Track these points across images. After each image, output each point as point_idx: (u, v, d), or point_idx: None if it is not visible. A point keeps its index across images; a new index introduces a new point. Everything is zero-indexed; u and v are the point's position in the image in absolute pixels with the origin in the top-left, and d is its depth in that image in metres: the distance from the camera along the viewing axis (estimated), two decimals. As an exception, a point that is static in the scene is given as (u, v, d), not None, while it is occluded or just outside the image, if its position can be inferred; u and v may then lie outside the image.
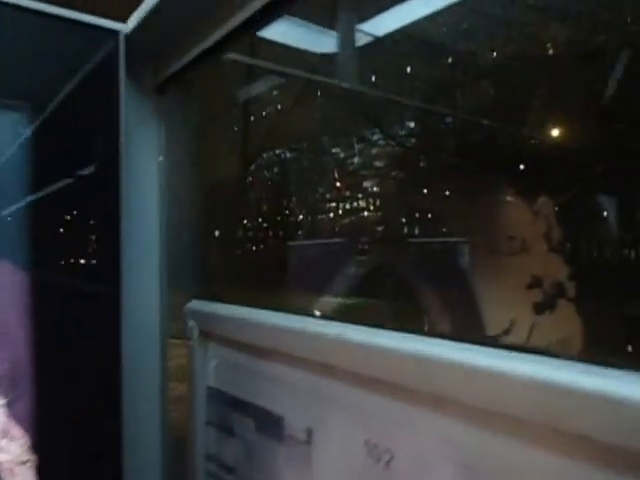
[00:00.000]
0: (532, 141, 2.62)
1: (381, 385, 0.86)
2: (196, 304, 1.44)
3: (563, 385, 0.62)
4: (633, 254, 2.37)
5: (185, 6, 1.44)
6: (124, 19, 1.57)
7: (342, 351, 0.93)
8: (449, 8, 2.27)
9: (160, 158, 1.72)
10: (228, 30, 1.37)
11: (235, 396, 1.27)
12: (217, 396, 1.34)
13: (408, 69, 2.61)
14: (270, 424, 1.13)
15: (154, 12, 1.47)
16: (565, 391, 0.61)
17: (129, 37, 1.56)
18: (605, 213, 2.36)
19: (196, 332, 1.38)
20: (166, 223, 1.70)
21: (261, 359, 1.19)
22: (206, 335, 1.38)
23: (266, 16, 1.33)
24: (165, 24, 1.53)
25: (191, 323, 1.40)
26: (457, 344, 0.79)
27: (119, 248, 1.54)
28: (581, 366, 0.66)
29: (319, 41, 2.27)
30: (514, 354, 0.72)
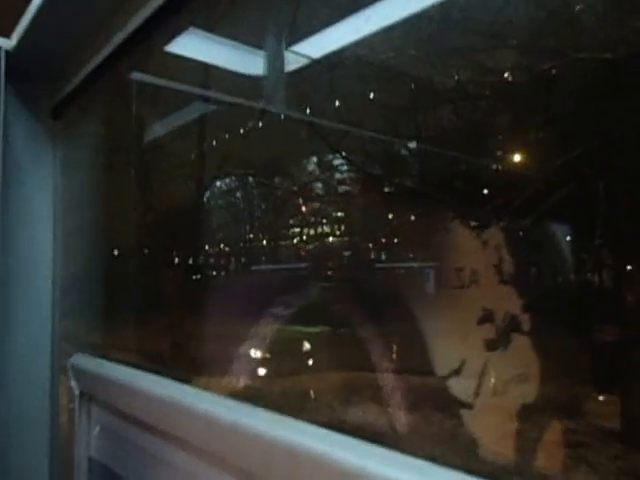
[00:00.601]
0: (479, 167, 2.52)
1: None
2: (80, 359, 1.23)
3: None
4: (586, 284, 2.29)
5: (74, 17, 1.27)
6: (7, 33, 1.39)
7: (213, 432, 0.74)
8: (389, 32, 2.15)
9: (54, 188, 1.51)
10: (121, 41, 1.20)
11: (119, 474, 1.06)
12: (100, 471, 1.13)
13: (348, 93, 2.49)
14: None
15: (39, 24, 1.29)
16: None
17: (13, 54, 1.37)
18: (558, 242, 2.27)
19: (77, 393, 1.17)
20: (61, 258, 1.50)
21: (147, 433, 0.99)
22: (90, 397, 1.17)
23: (160, 29, 1.16)
24: (54, 37, 1.34)
25: (73, 383, 1.19)
26: (348, 440, 0.61)
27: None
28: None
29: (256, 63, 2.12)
30: (405, 458, 0.55)
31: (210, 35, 1.80)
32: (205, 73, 1.97)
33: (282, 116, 2.58)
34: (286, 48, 1.98)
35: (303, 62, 2.21)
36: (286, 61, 1.96)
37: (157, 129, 2.13)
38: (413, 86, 2.54)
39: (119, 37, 1.20)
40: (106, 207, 1.87)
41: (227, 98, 2.10)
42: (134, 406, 1.01)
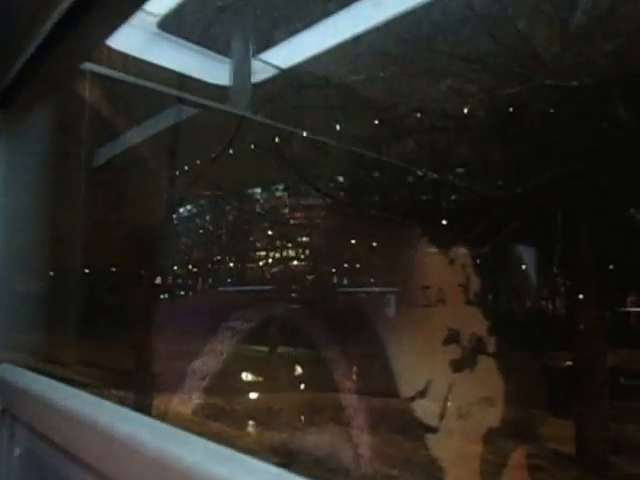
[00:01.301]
0: (446, 191, 2.49)
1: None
2: (5, 370, 1.10)
3: None
4: (549, 306, 2.29)
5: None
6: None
7: (139, 467, 0.64)
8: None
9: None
10: (56, 21, 1.09)
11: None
12: (19, 501, 0.99)
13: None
14: None
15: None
16: None
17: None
18: (523, 265, 2.25)
19: (-2, 409, 1.04)
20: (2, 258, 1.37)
21: (74, 463, 0.86)
22: (13, 415, 1.04)
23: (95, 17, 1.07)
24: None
25: (-6, 397, 1.06)
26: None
27: None
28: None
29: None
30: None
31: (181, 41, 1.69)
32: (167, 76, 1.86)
33: (252, 146, 2.51)
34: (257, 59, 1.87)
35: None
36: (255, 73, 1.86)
37: (117, 127, 2.01)
38: (379, 116, 2.48)
39: (54, 18, 1.10)
40: (59, 214, 1.73)
41: (193, 98, 1.99)
42: (58, 430, 0.89)
